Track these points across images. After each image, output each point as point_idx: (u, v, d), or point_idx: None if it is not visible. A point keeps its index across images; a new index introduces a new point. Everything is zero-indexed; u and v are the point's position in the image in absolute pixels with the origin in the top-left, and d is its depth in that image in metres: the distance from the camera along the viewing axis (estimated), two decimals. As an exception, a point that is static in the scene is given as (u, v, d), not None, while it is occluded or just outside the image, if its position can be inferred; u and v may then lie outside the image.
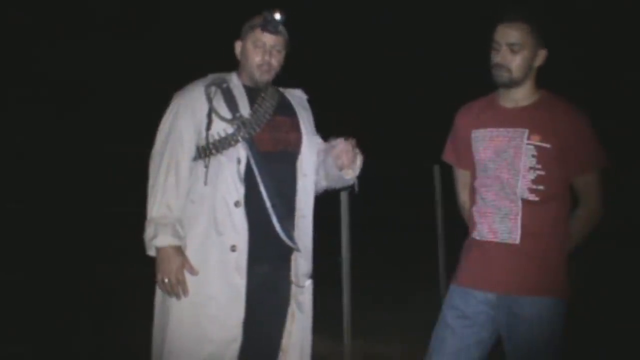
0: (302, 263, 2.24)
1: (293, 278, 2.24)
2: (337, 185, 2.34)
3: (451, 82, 12.75)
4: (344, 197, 3.78)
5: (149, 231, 2.10)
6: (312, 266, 2.31)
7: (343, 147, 2.20)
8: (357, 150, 2.23)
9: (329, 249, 3.31)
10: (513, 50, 2.07)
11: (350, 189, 2.35)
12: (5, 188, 6.93)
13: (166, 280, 2.07)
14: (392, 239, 7.94)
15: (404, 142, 12.05)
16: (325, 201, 2.39)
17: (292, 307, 2.24)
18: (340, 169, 2.22)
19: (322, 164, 2.30)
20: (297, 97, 2.37)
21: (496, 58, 2.09)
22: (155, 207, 2.10)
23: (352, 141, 2.21)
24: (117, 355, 3.60)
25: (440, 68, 13.17)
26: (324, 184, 2.35)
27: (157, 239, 2.07)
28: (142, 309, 2.24)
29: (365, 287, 4.75)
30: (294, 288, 2.24)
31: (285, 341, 2.23)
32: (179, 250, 2.09)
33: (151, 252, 2.11)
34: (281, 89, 2.35)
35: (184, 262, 2.09)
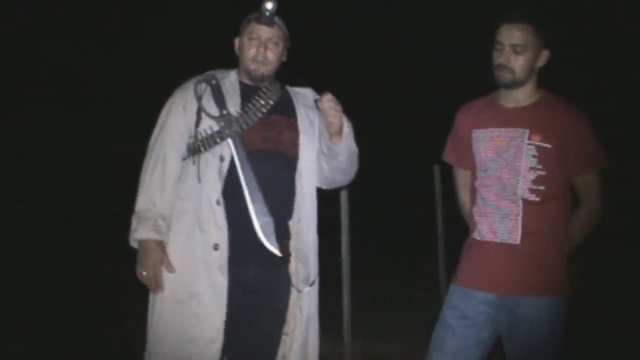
0: (300, 268, 2.16)
1: (294, 283, 2.15)
2: (335, 169, 2.20)
3: (440, 69, 12.72)
4: (343, 197, 3.77)
5: (132, 224, 2.13)
6: (316, 272, 2.23)
7: (326, 103, 2.04)
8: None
9: (329, 249, 3.31)
10: (516, 51, 2.06)
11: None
12: (5, 188, 6.93)
13: (144, 273, 2.09)
14: (392, 239, 7.94)
15: (403, 142, 12.04)
16: (325, 202, 2.37)
17: (294, 312, 2.15)
18: (331, 134, 2.08)
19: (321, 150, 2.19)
20: (301, 96, 2.28)
21: (499, 59, 2.08)
22: (141, 201, 2.13)
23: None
24: (117, 355, 3.59)
25: (429, 55, 13.10)
26: (328, 174, 2.23)
27: (137, 232, 2.10)
28: (141, 309, 2.24)
29: (365, 287, 4.74)
30: (295, 292, 2.15)
31: (284, 347, 2.16)
32: (159, 245, 2.10)
33: (133, 244, 2.14)
34: (288, 87, 2.29)
35: (163, 257, 2.09)
